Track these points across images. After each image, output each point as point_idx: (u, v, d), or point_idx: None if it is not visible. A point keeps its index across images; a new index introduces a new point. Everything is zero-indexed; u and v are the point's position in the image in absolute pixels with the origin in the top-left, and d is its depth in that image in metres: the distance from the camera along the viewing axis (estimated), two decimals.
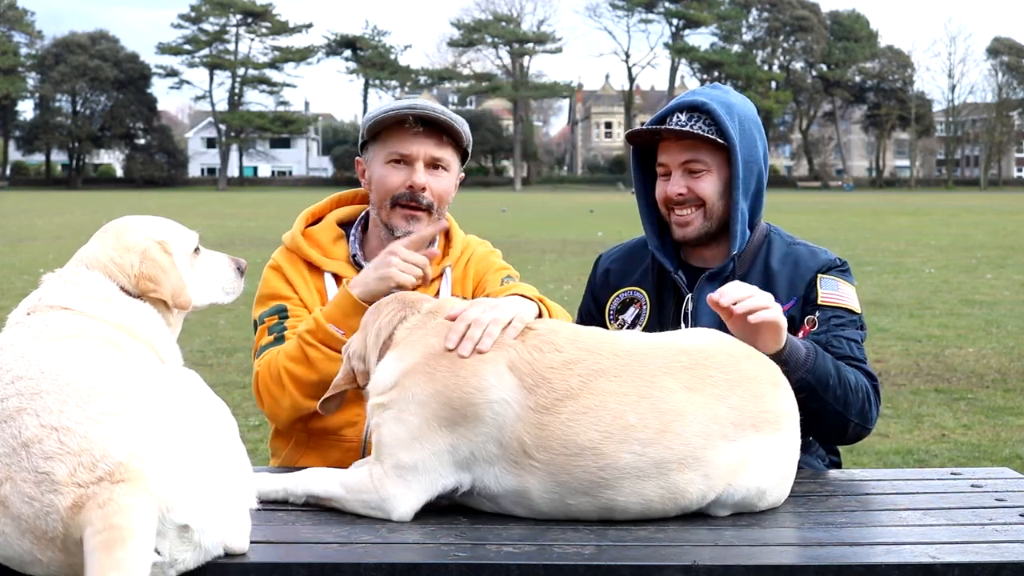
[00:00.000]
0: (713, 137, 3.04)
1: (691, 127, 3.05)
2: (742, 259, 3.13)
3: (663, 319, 3.14)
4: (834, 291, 3.06)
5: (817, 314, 3.04)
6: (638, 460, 2.32)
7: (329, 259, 3.20)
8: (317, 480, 2.48)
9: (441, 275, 3.22)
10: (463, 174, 3.27)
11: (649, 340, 2.50)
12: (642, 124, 3.24)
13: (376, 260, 2.99)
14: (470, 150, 3.23)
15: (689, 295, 3.12)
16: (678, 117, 3.09)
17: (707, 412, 2.37)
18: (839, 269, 3.12)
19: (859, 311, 3.08)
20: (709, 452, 2.36)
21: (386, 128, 3.13)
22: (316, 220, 3.31)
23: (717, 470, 2.37)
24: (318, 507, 2.46)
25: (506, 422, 2.33)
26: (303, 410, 3.01)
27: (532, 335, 2.42)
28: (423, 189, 3.10)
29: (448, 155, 3.15)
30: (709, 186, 3.09)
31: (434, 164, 3.13)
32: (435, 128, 3.11)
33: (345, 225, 3.29)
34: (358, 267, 3.18)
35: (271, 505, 2.45)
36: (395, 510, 2.36)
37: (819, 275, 3.08)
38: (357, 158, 3.27)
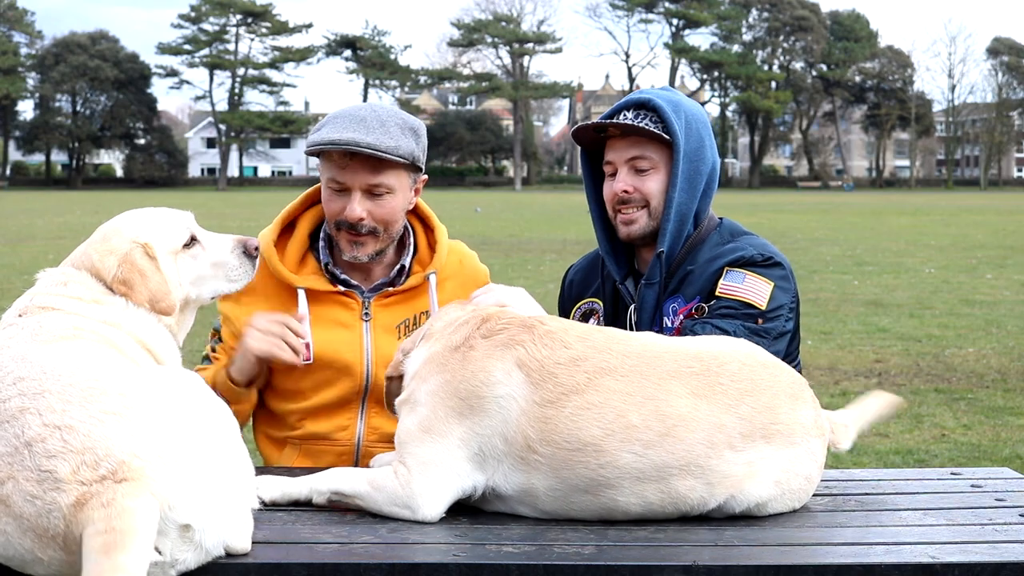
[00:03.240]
0: (659, 132, 3.00)
1: (638, 123, 3.02)
2: (676, 260, 3.05)
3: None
4: (735, 283, 2.93)
5: (712, 303, 2.93)
6: (639, 461, 2.32)
7: (300, 275, 3.10)
8: (343, 478, 2.47)
9: (425, 281, 3.14)
10: (425, 176, 3.12)
11: (662, 343, 2.47)
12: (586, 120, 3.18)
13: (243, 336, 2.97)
14: (424, 156, 3.04)
15: (632, 306, 3.05)
16: (625, 114, 3.05)
17: (713, 420, 2.35)
18: (760, 265, 2.96)
19: (762, 306, 2.90)
20: (713, 461, 2.34)
21: (324, 151, 2.96)
22: (290, 221, 3.19)
23: (721, 480, 2.36)
24: (322, 508, 2.45)
25: (511, 416, 2.35)
26: None
27: (543, 331, 2.43)
28: (360, 219, 2.98)
29: (389, 179, 2.97)
30: (655, 185, 3.04)
31: (373, 191, 2.98)
32: (368, 157, 2.93)
33: (316, 230, 3.18)
34: (331, 276, 3.10)
35: (273, 505, 2.45)
36: (421, 507, 2.36)
37: (727, 267, 2.96)
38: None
